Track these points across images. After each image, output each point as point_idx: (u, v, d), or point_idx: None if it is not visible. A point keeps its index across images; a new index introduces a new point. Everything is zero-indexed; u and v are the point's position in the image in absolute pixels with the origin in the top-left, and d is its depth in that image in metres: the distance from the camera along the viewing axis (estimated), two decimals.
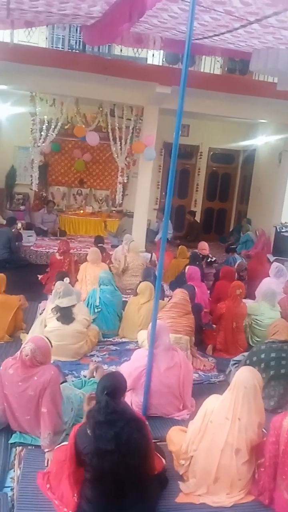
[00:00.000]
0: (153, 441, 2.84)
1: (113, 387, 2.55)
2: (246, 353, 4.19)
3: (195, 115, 8.85)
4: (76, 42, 9.62)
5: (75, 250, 8.14)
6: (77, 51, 9.38)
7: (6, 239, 7.56)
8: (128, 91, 7.82)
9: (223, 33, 4.16)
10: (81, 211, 10.62)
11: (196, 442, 2.73)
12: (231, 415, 2.66)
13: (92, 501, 2.33)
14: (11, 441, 3.05)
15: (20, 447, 3.01)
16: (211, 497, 2.67)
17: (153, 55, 8.59)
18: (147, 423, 2.55)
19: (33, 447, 3.00)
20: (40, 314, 5.15)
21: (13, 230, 7.98)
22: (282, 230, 8.98)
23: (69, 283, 4.87)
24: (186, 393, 3.60)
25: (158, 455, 2.75)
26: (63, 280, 4.86)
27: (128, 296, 5.69)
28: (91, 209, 10.77)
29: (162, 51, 8.57)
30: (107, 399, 2.40)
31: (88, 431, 2.34)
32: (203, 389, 3.94)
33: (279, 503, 2.59)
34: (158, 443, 2.98)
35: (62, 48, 9.55)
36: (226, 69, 9.93)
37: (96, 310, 5.05)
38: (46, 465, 2.81)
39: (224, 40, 4.49)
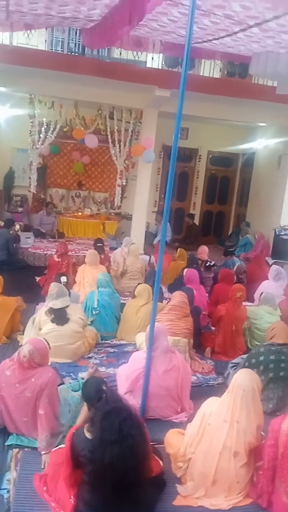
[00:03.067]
0: (151, 443, 2.84)
1: (104, 384, 2.59)
2: (245, 356, 4.18)
3: (194, 118, 8.87)
4: (75, 45, 9.64)
5: (73, 252, 8.14)
6: (76, 54, 9.40)
7: (4, 240, 7.55)
8: (127, 94, 7.83)
9: (222, 37, 4.17)
10: (80, 213, 10.61)
11: (194, 444, 2.72)
12: (229, 418, 2.65)
13: (90, 504, 2.32)
14: (7, 443, 3.04)
15: (17, 449, 3.00)
16: (209, 499, 2.66)
17: (152, 58, 8.61)
18: (145, 424, 2.54)
19: (30, 449, 2.99)
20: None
21: (11, 232, 7.97)
22: (281, 233, 8.97)
23: (67, 283, 4.85)
24: (184, 395, 3.59)
25: (156, 457, 2.74)
26: (61, 280, 4.86)
27: (127, 298, 5.68)
28: (90, 211, 10.76)
29: (161, 55, 8.59)
30: (110, 390, 2.43)
31: (87, 434, 2.33)
32: (201, 391, 3.93)
33: (278, 506, 2.58)
34: (156, 446, 2.98)
35: (61, 51, 9.57)
36: (225, 72, 9.95)
37: (94, 312, 5.04)
38: (42, 467, 2.80)
39: (223, 44, 4.51)
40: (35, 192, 9.46)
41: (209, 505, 2.63)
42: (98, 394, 2.55)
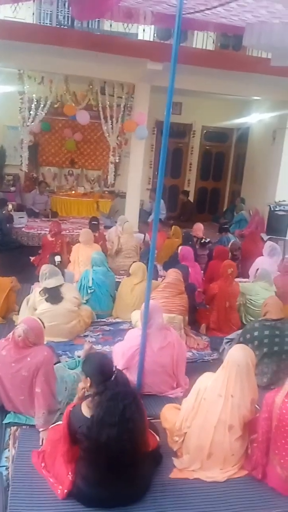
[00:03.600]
0: (147, 418, 2.87)
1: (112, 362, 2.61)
2: (239, 331, 4.21)
3: (187, 93, 8.71)
4: (64, 18, 9.37)
5: (67, 231, 8.08)
6: (65, 27, 9.13)
7: None
8: (118, 68, 7.65)
9: (215, 7, 4.04)
10: (73, 192, 10.50)
11: (189, 419, 2.76)
12: (224, 392, 2.68)
13: (87, 478, 2.36)
14: (5, 421, 3.07)
15: (15, 427, 3.03)
16: (205, 472, 2.71)
17: (143, 30, 8.40)
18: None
19: (28, 427, 3.02)
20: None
21: (3, 212, 7.89)
22: (276, 209, 8.93)
23: (61, 262, 4.83)
24: (180, 371, 3.63)
25: (152, 432, 2.77)
26: (55, 260, 4.84)
27: (122, 277, 5.67)
28: (83, 189, 10.65)
29: (153, 27, 8.37)
30: (119, 371, 2.44)
31: (84, 412, 2.34)
32: (196, 367, 3.96)
33: (272, 477, 2.64)
34: (152, 421, 3.01)
35: (50, 23, 9.30)
36: (219, 44, 9.73)
37: (89, 291, 5.04)
38: (40, 444, 2.83)
39: (216, 14, 4.37)
40: (27, 171, 9.32)
41: (204, 478, 2.68)
42: (105, 375, 2.53)
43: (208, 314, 5.04)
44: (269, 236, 8.33)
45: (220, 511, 2.46)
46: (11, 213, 8.38)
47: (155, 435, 2.80)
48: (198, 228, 7.88)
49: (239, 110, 10.66)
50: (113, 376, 2.47)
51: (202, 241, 7.79)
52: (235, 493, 2.59)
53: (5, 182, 10.13)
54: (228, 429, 2.67)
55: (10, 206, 8.52)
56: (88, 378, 2.55)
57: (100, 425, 2.24)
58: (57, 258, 4.99)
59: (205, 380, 2.82)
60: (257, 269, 5.41)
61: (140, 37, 8.50)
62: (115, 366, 2.66)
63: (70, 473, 2.41)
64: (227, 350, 3.36)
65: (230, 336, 4.33)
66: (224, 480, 2.67)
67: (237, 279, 5.29)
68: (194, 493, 2.57)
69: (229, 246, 6.78)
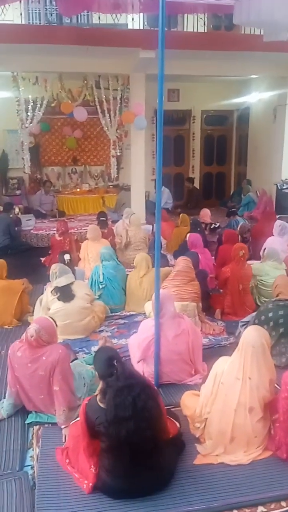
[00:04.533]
0: (168, 407, 2.88)
1: (116, 356, 2.58)
2: (254, 314, 4.17)
3: (184, 78, 8.61)
4: (52, 15, 9.29)
5: (75, 229, 8.10)
6: (54, 24, 9.06)
7: (5, 225, 7.52)
8: (111, 60, 7.58)
9: None
10: (78, 190, 10.51)
11: (209, 404, 2.75)
12: (241, 375, 2.66)
13: (110, 470, 2.37)
14: (27, 421, 3.10)
15: (37, 426, 3.06)
16: (229, 456, 2.70)
17: (132, 19, 8.27)
18: (158, 391, 2.56)
19: (50, 425, 3.05)
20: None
21: (11, 215, 7.94)
22: (283, 187, 8.81)
23: (71, 260, 4.84)
24: (197, 358, 3.61)
25: (172, 419, 2.77)
26: (64, 258, 4.85)
27: (133, 269, 5.66)
28: (88, 186, 10.65)
29: (142, 15, 8.26)
30: (121, 365, 2.42)
31: (100, 404, 2.36)
32: (214, 352, 3.94)
33: None
34: (172, 409, 3.01)
35: (39, 23, 9.24)
36: (211, 26, 9.56)
37: (100, 286, 5.04)
38: (63, 441, 2.85)
39: None
40: (30, 173, 9.35)
41: (229, 461, 2.67)
42: (109, 369, 2.54)
43: (222, 299, 5.01)
44: (278, 215, 8.23)
45: (246, 494, 2.44)
46: (18, 216, 8.44)
47: (176, 422, 2.80)
48: (205, 214, 7.82)
49: (238, 91, 10.50)
50: (114, 373, 2.44)
51: (212, 227, 7.75)
52: (260, 474, 2.58)
53: (10, 186, 10.19)
54: (248, 411, 2.65)
55: (17, 210, 8.58)
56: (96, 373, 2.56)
57: (116, 423, 2.23)
58: (67, 257, 5.01)
59: (222, 364, 2.80)
60: (264, 249, 5.35)
61: (130, 26, 8.39)
62: (115, 361, 2.60)
63: (93, 466, 2.42)
64: (243, 333, 3.34)
65: (245, 319, 4.30)
66: (249, 463, 2.66)
67: (248, 262, 5.24)
68: (220, 478, 2.56)
69: (238, 229, 6.72)
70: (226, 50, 7.34)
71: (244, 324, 4.21)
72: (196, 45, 7.17)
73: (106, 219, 7.46)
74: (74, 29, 7.81)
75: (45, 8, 9.05)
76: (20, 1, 7.98)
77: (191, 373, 3.60)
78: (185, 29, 8.70)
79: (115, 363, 2.59)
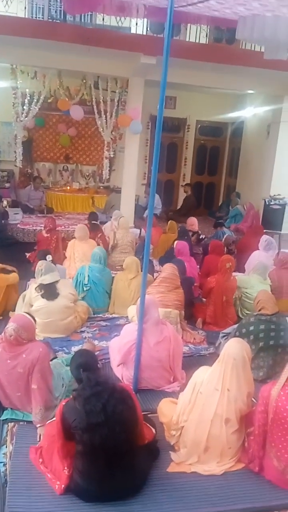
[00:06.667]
0: (144, 413, 2.88)
1: (86, 363, 2.61)
2: (235, 326, 4.22)
3: (181, 87, 8.65)
4: (56, 12, 9.28)
5: (62, 227, 8.05)
6: (58, 21, 9.05)
7: None
8: (112, 62, 7.59)
9: (207, 0, 4.02)
10: (68, 188, 10.46)
11: (186, 413, 2.77)
12: (220, 386, 2.69)
13: (84, 473, 2.36)
14: (2, 417, 3.07)
15: (12, 423, 3.03)
16: (202, 465, 2.72)
17: (136, 24, 8.32)
18: (133, 393, 2.56)
19: (25, 423, 3.03)
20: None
21: None
22: (271, 203, 8.93)
23: (52, 261, 4.80)
24: (176, 365, 3.64)
25: (148, 425, 2.78)
26: (45, 258, 4.80)
27: (118, 272, 5.67)
28: (78, 185, 10.61)
29: (146, 20, 8.30)
30: (86, 374, 2.44)
31: (78, 406, 2.35)
32: (193, 361, 3.98)
33: (269, 470, 2.66)
34: (149, 415, 3.02)
35: (42, 18, 9.21)
36: (212, 38, 9.67)
37: (85, 289, 5.03)
38: (38, 440, 2.84)
39: (209, 8, 4.34)
40: (21, 167, 9.27)
41: (202, 471, 2.69)
42: (78, 376, 2.56)
43: (204, 308, 5.05)
44: (264, 230, 8.33)
45: (217, 504, 2.47)
46: (6, 209, 8.34)
47: (152, 428, 2.81)
48: (193, 222, 7.88)
49: (234, 104, 10.64)
50: (81, 381, 2.46)
51: (200, 237, 7.80)
52: (232, 486, 2.61)
53: None
54: (224, 422, 2.68)
55: (5, 202, 8.48)
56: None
57: (89, 430, 2.24)
58: (48, 258, 4.92)
59: (201, 373, 2.83)
60: (257, 263, 5.40)
61: (133, 30, 8.43)
62: (81, 370, 2.64)
63: (66, 467, 2.41)
64: (223, 344, 3.38)
65: (226, 331, 4.34)
66: (221, 473, 2.68)
67: (233, 273, 5.29)
68: (192, 487, 2.58)
69: (223, 240, 6.79)
70: (226, 63, 7.43)
71: (225, 336, 4.26)
72: (197, 56, 7.25)
73: (97, 221, 7.43)
74: (77, 28, 7.80)
75: (49, 4, 9.03)
76: None
77: (170, 380, 3.62)
78: (187, 39, 8.79)
79: (81, 372, 2.62)
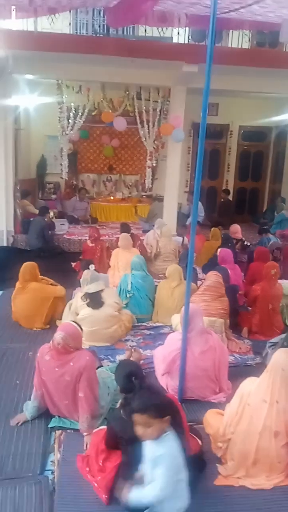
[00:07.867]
0: (190, 424, 2.84)
1: (137, 371, 2.57)
2: (283, 335, 4.10)
3: (224, 93, 8.60)
4: (100, 26, 9.52)
5: (106, 236, 8.18)
6: (101, 35, 9.28)
7: (40, 228, 7.69)
8: (154, 72, 7.67)
9: (250, 5, 3.98)
10: (112, 198, 10.64)
11: (233, 424, 2.70)
12: (268, 398, 2.61)
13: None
14: (50, 425, 3.12)
15: (60, 431, 3.07)
16: (250, 479, 2.64)
17: (178, 33, 8.38)
18: (179, 404, 2.54)
19: (72, 431, 3.06)
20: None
21: (45, 219, 8.09)
22: None
23: (95, 270, 4.87)
24: (222, 376, 3.57)
25: (194, 436, 2.74)
26: (88, 267, 4.88)
27: (161, 280, 5.66)
28: (121, 195, 10.76)
29: (187, 29, 8.35)
30: (138, 383, 2.42)
31: (124, 416, 2.36)
32: (239, 371, 3.88)
33: None
34: (195, 426, 2.98)
35: (86, 33, 9.47)
36: (254, 42, 9.57)
37: (128, 295, 5.06)
38: (85, 448, 2.86)
39: (251, 12, 4.31)
40: (67, 179, 9.54)
41: (250, 485, 2.61)
42: (128, 384, 2.54)
43: (250, 317, 4.94)
44: None
45: None
46: (52, 220, 8.60)
47: (198, 439, 2.77)
48: (236, 230, 7.76)
49: (277, 108, 10.41)
50: (133, 389, 2.43)
51: (244, 244, 7.66)
52: (280, 501, 2.51)
53: (46, 191, 10.42)
54: (273, 435, 2.59)
55: (51, 214, 8.74)
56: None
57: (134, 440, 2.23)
58: (91, 267, 4.98)
59: (249, 384, 2.76)
60: None
61: (175, 40, 8.50)
62: (134, 378, 2.58)
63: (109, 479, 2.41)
64: (271, 354, 3.29)
65: (273, 340, 4.22)
66: (271, 488, 2.60)
67: (278, 281, 5.15)
68: (240, 501, 2.51)
69: (268, 246, 6.63)
70: (269, 67, 7.33)
71: (272, 345, 4.14)
72: (239, 61, 7.19)
73: (129, 231, 7.33)
74: (120, 41, 7.96)
75: (93, 19, 9.28)
76: (70, 11, 8.22)
77: (216, 390, 3.56)
78: (229, 45, 8.74)
79: (134, 380, 2.59)
